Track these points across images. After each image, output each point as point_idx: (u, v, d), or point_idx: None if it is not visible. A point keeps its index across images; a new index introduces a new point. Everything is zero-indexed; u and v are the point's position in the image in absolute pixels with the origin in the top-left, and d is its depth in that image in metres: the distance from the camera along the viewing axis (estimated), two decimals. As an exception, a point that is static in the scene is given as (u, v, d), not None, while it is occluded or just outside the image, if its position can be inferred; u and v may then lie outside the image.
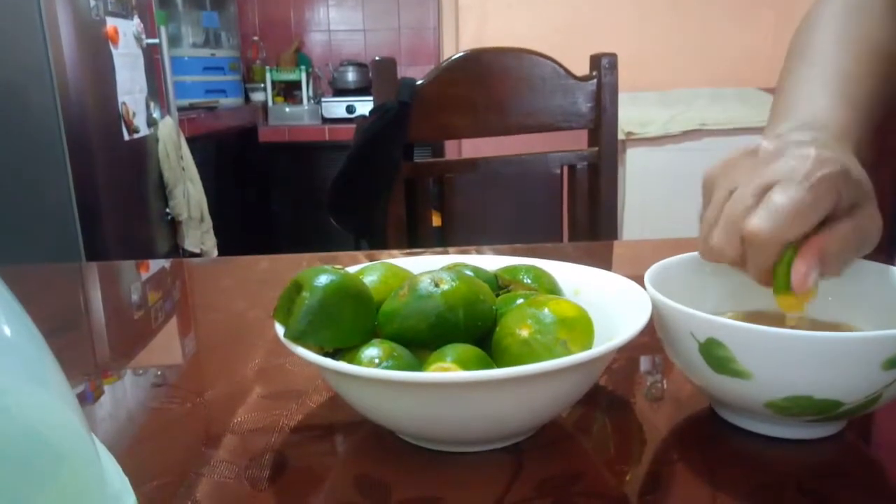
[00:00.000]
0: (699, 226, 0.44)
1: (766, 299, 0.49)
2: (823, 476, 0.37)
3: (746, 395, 0.38)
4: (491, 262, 0.50)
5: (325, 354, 0.38)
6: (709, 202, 0.43)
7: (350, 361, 0.38)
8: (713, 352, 0.37)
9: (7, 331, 0.22)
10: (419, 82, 1.12)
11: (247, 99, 3.03)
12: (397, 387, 0.35)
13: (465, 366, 0.37)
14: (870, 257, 0.46)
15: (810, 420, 0.38)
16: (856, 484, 0.36)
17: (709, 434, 0.41)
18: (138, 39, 1.91)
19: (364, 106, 2.77)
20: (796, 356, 0.35)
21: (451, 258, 0.51)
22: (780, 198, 0.37)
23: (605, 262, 0.81)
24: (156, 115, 2.00)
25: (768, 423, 0.40)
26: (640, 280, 0.43)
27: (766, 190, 0.39)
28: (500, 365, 0.39)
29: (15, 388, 0.21)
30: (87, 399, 0.48)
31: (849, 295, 0.46)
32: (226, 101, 2.78)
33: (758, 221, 0.38)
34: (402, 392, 0.35)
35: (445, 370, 0.36)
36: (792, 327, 0.42)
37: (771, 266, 0.39)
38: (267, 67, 3.00)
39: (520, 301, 0.42)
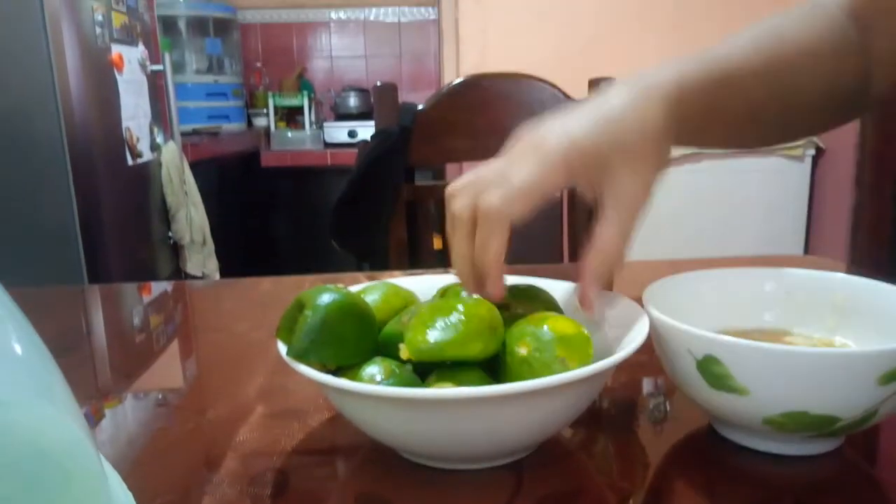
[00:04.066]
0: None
1: (763, 317, 0.49)
2: (822, 492, 0.37)
3: (744, 412, 0.38)
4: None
5: (328, 372, 0.38)
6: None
7: (351, 379, 0.38)
8: (710, 368, 0.38)
9: (16, 347, 0.23)
10: (420, 107, 1.13)
11: (249, 124, 3.06)
12: (397, 403, 0.35)
13: (465, 384, 0.37)
14: (868, 275, 0.47)
15: (808, 436, 0.38)
16: (854, 500, 0.36)
17: (708, 451, 0.42)
18: (143, 66, 1.94)
19: (365, 130, 2.78)
20: (792, 372, 0.35)
21: (451, 278, 0.51)
22: (515, 175, 0.40)
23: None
24: (159, 140, 2.02)
25: (767, 439, 0.40)
26: (638, 299, 0.44)
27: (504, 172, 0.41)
28: (499, 382, 0.39)
29: (22, 403, 0.21)
30: (89, 421, 0.48)
31: (844, 311, 0.46)
32: (229, 127, 2.80)
33: (490, 198, 0.40)
34: (402, 408, 0.36)
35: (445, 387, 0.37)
36: (787, 343, 0.42)
37: (499, 246, 0.41)
38: (269, 93, 3.02)
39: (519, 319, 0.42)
